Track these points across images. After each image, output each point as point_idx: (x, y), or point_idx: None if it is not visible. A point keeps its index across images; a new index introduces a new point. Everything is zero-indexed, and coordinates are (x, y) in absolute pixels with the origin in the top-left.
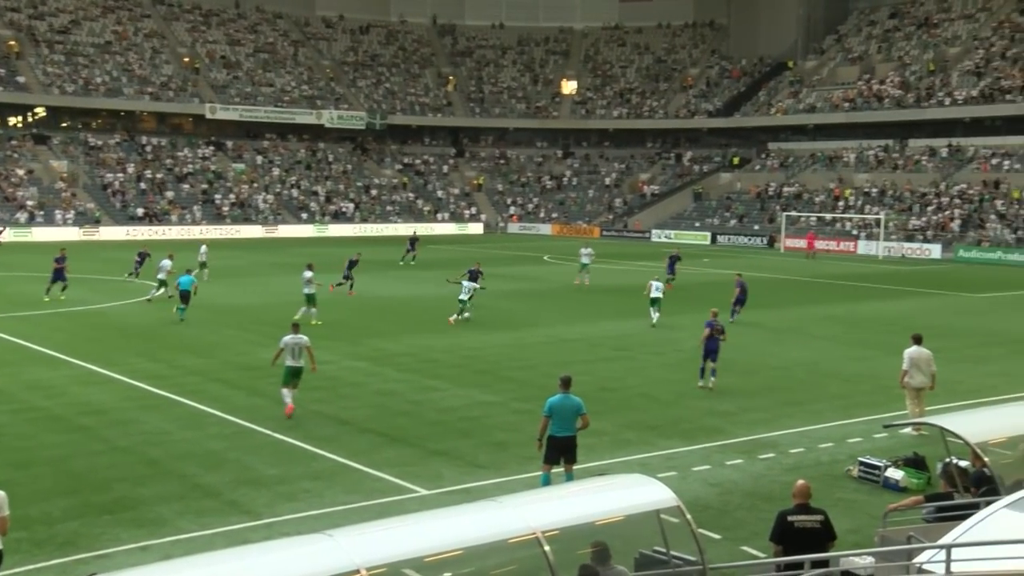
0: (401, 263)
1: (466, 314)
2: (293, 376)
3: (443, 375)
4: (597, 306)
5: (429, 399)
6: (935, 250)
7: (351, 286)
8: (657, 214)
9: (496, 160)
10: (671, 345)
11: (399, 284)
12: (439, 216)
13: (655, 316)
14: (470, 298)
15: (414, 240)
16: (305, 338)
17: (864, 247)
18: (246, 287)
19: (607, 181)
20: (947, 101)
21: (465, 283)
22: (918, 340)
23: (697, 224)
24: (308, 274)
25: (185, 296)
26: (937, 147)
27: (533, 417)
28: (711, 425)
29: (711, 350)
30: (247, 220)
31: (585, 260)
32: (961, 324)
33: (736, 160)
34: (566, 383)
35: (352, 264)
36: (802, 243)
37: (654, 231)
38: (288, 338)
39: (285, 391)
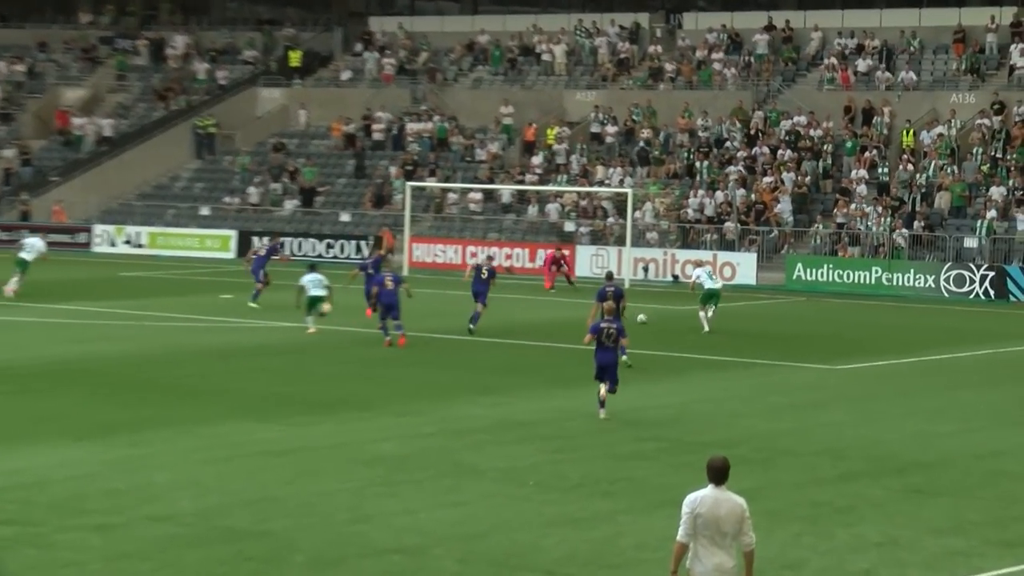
0: None
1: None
2: None
3: None
4: None
5: None
6: (745, 264)
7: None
8: (109, 186)
9: None
10: (141, 495)
11: None
12: None
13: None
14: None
15: None
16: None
17: (588, 259)
18: None
19: None
20: None
21: (309, 278)
22: (718, 473)
23: (206, 212)
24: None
25: None
26: (745, 30)
27: None
28: None
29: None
30: None
31: None
32: (794, 432)
33: (295, 57)
34: None
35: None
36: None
37: (99, 228)
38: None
39: None
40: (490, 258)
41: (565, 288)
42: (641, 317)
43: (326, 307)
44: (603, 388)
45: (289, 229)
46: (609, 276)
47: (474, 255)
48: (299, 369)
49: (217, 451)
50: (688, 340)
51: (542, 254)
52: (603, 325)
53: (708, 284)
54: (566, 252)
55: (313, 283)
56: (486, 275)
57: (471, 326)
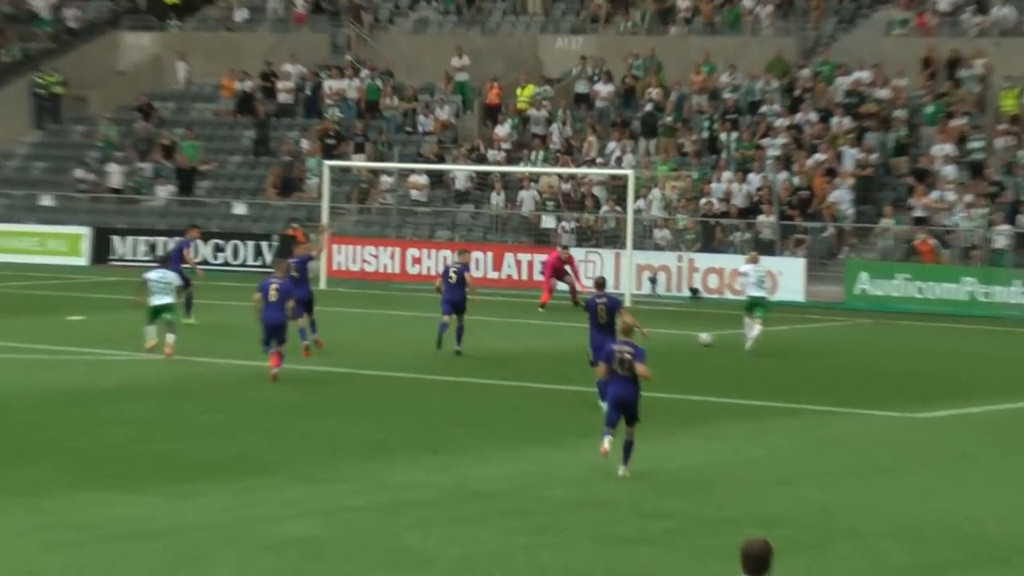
0: None
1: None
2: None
3: None
4: None
5: None
6: (789, 273)
7: None
8: None
9: None
10: None
11: None
12: None
13: (754, 331)
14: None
15: None
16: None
17: (584, 262)
18: None
19: None
20: None
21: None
22: (756, 563)
23: (49, 202)
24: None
25: None
26: None
27: None
28: None
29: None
30: None
31: None
32: (857, 505)
33: None
34: None
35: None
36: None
37: None
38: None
39: None
40: (462, 252)
41: (564, 307)
42: (704, 337)
43: (168, 347)
44: (608, 439)
45: (163, 225)
46: (600, 284)
47: (417, 261)
48: (175, 417)
49: (63, 532)
50: (713, 378)
51: (511, 259)
52: (615, 348)
53: (751, 290)
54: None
55: (159, 285)
56: (455, 278)
57: (457, 348)
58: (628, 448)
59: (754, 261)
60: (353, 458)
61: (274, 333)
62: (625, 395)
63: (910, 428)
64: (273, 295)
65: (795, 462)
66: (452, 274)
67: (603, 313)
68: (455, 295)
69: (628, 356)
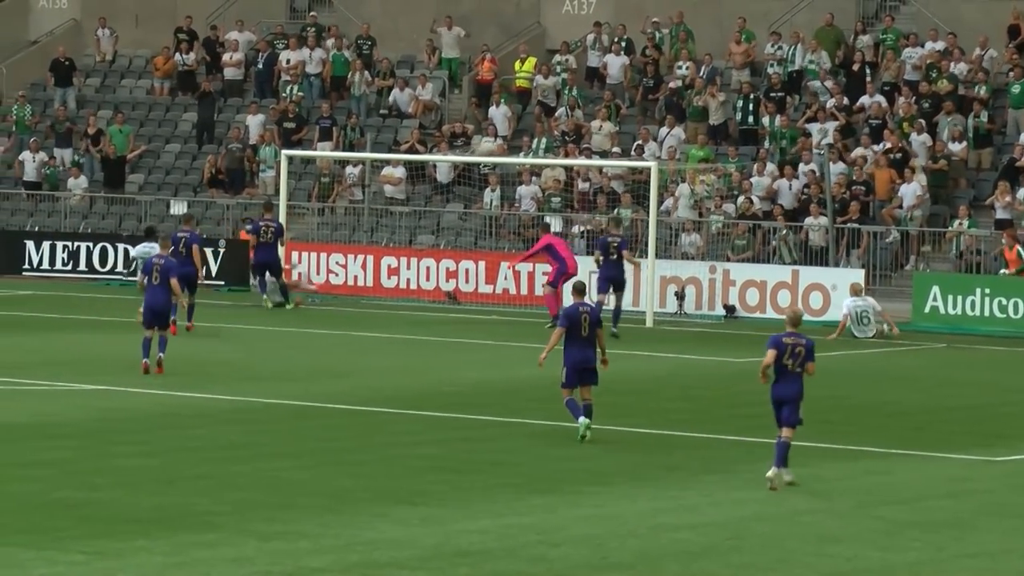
0: None
1: None
2: None
3: None
4: None
5: None
6: (845, 287)
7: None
8: None
9: None
10: None
11: None
12: None
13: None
14: None
15: None
16: None
17: (584, 277)
18: None
19: None
20: None
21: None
22: None
23: None
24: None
25: None
26: None
27: None
28: None
29: None
30: None
31: None
32: (921, 568)
33: None
34: None
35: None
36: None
37: None
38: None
39: None
40: (616, 221)
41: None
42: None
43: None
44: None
45: (85, 227)
46: (580, 290)
47: (394, 271)
48: (100, 459)
49: None
50: (749, 413)
51: (507, 269)
52: (787, 340)
53: (857, 331)
54: None
55: (143, 255)
56: (615, 253)
57: (613, 329)
58: (785, 449)
59: (856, 293)
60: (313, 510)
61: (157, 317)
62: (792, 394)
63: (987, 474)
64: (156, 277)
65: (847, 516)
66: (612, 249)
67: (586, 325)
68: (615, 271)
69: (801, 348)
